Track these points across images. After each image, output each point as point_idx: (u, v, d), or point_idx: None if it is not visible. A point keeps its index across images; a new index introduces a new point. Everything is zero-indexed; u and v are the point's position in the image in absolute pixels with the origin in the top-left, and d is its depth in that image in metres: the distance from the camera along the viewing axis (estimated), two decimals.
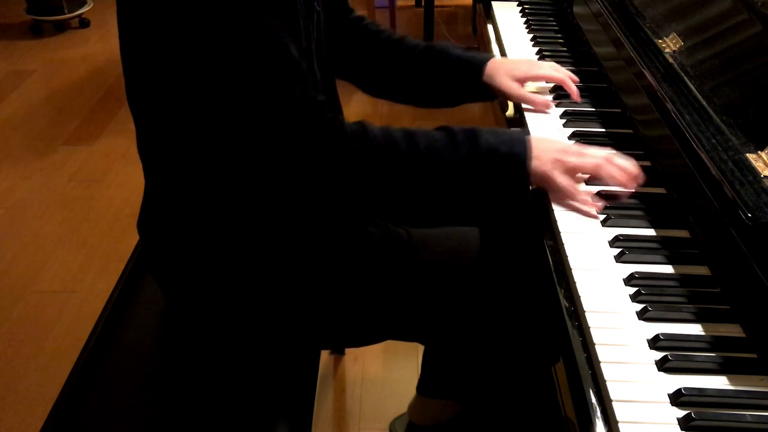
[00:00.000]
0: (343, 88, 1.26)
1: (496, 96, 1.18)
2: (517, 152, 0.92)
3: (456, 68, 1.16)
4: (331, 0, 1.12)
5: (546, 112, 1.16)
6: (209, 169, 0.91)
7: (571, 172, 0.93)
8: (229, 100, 0.84)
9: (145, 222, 1.04)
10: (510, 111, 1.23)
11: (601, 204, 0.93)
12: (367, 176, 0.90)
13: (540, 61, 1.26)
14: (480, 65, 1.16)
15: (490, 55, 1.19)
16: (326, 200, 0.94)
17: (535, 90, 1.21)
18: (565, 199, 0.94)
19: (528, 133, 1.10)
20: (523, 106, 1.17)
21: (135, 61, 0.90)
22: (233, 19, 0.79)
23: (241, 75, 0.82)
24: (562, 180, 0.92)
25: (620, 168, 0.94)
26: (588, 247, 0.89)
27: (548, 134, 1.11)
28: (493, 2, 1.66)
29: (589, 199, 0.93)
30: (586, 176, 0.96)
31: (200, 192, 0.94)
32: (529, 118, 1.15)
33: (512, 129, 0.97)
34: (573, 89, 1.17)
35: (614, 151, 0.96)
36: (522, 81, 1.17)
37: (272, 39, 0.82)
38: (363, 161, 0.89)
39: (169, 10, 0.80)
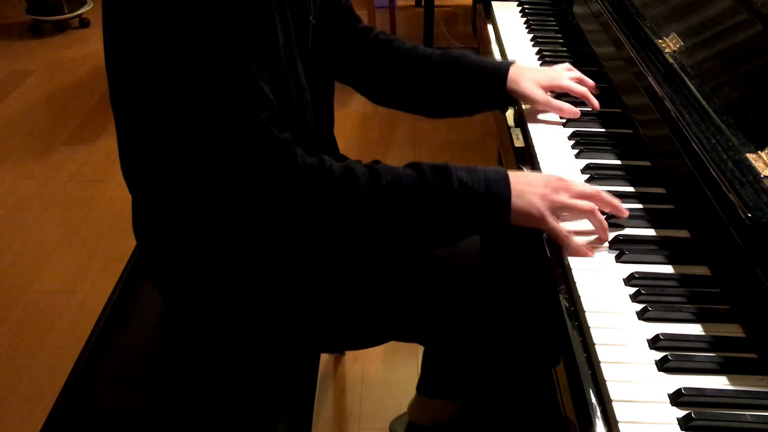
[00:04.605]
0: (343, 90, 1.26)
1: (516, 103, 1.16)
2: (496, 191, 0.86)
3: (478, 76, 1.13)
4: (335, 12, 1.12)
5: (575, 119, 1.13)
6: (188, 180, 0.90)
7: (561, 211, 0.89)
8: (192, 122, 0.83)
9: (138, 228, 1.04)
10: (510, 112, 1.23)
11: (592, 253, 0.87)
12: (325, 213, 0.85)
13: (560, 71, 1.21)
14: (503, 72, 1.13)
15: (510, 62, 1.17)
16: (284, 231, 0.87)
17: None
18: (557, 239, 0.89)
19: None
20: (523, 107, 1.17)
21: (116, 71, 0.90)
22: (204, 47, 0.79)
23: (202, 102, 0.81)
24: (554, 224, 0.87)
25: (609, 204, 0.90)
26: None
27: (549, 135, 1.12)
28: (493, 2, 1.66)
29: (582, 246, 0.87)
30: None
31: (187, 200, 0.93)
32: (530, 120, 1.15)
33: (491, 167, 0.90)
34: (594, 103, 1.15)
35: (599, 189, 0.91)
36: (546, 89, 1.14)
37: (236, 69, 0.81)
38: (318, 198, 0.84)
39: (144, 29, 0.81)
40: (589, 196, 0.90)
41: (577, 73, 1.20)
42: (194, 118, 0.83)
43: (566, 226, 0.89)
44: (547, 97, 1.14)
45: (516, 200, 0.87)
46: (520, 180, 0.89)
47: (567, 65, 1.23)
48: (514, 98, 1.15)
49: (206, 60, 0.80)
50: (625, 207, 0.92)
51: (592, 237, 0.89)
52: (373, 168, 0.87)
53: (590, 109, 1.18)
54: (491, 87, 1.14)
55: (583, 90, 1.16)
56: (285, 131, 0.85)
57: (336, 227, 0.86)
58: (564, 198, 0.89)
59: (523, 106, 1.17)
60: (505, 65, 1.15)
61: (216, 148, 0.83)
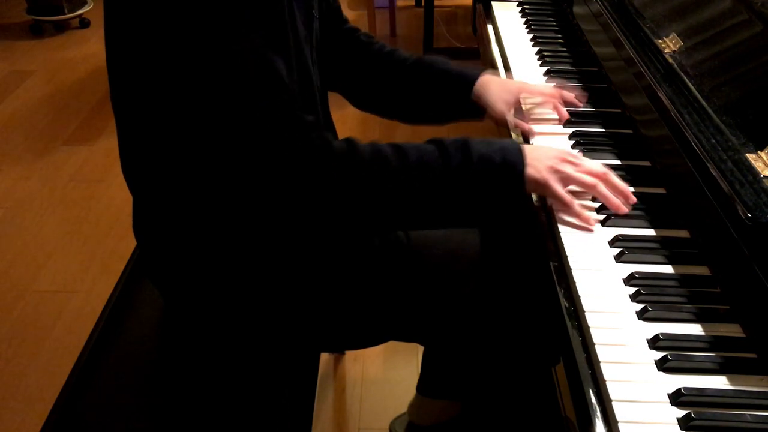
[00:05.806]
0: None
1: (484, 114, 1.14)
2: (512, 160, 0.90)
3: (446, 81, 1.13)
4: (327, 9, 1.12)
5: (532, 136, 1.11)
6: (195, 178, 0.90)
7: (566, 181, 0.92)
8: (212, 116, 0.82)
9: (138, 228, 1.04)
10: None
11: (594, 221, 0.91)
12: (357, 193, 0.86)
13: (531, 84, 1.20)
14: (471, 80, 1.12)
15: (482, 70, 1.15)
16: (315, 216, 0.88)
17: (529, 105, 1.18)
18: (561, 208, 0.92)
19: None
20: (523, 106, 1.17)
21: (120, 71, 0.89)
22: (216, 37, 0.78)
23: (224, 93, 0.80)
24: (558, 189, 0.91)
25: (614, 188, 0.92)
26: (588, 246, 0.88)
27: (548, 135, 1.11)
28: (493, 2, 1.66)
29: (584, 212, 0.91)
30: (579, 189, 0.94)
31: (189, 200, 0.93)
32: (530, 120, 1.15)
33: (505, 139, 0.95)
34: (562, 113, 1.14)
35: (607, 168, 0.94)
36: (513, 102, 1.13)
37: (256, 57, 0.80)
38: (351, 179, 0.85)
39: (154, 24, 0.80)
40: (596, 174, 0.92)
41: (553, 91, 1.17)
42: (210, 115, 0.82)
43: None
44: (505, 114, 1.12)
45: (528, 169, 0.90)
46: (531, 151, 0.92)
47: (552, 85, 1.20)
48: (481, 108, 1.13)
49: (222, 54, 0.78)
50: (625, 208, 0.92)
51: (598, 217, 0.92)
52: (398, 146, 0.89)
53: (591, 109, 1.18)
54: (457, 94, 1.13)
55: (553, 101, 1.14)
56: (308, 115, 0.86)
57: (368, 205, 0.87)
58: (570, 170, 0.91)
59: (523, 106, 1.17)
60: (475, 73, 1.13)
61: (238, 139, 0.82)
